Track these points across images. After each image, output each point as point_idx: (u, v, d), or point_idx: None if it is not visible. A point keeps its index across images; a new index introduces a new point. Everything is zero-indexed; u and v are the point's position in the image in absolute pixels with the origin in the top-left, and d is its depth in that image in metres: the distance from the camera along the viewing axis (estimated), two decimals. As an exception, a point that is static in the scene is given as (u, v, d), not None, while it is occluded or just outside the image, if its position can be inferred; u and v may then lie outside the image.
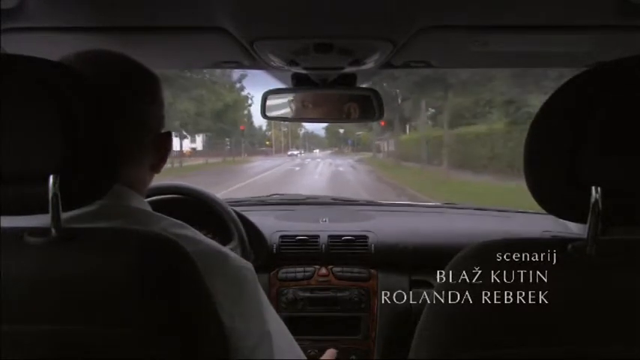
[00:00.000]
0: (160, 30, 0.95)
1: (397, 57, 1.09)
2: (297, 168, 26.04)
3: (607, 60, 0.54)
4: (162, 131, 0.75)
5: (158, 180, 0.95)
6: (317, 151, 71.74)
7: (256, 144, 60.53)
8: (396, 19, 0.88)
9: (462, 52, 1.08)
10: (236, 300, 0.66)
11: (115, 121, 0.58)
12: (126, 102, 0.68)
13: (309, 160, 38.82)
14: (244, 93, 34.82)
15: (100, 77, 0.59)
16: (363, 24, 0.91)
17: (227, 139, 39.89)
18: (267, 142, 68.14)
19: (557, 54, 1.12)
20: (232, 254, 0.70)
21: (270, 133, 67.48)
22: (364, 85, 1.33)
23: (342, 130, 61.86)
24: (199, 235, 0.69)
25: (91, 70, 0.60)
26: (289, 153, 51.99)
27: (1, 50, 0.95)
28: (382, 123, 24.59)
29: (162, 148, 0.75)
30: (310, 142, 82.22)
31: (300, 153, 55.86)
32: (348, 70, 1.16)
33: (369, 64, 1.12)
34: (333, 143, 74.30)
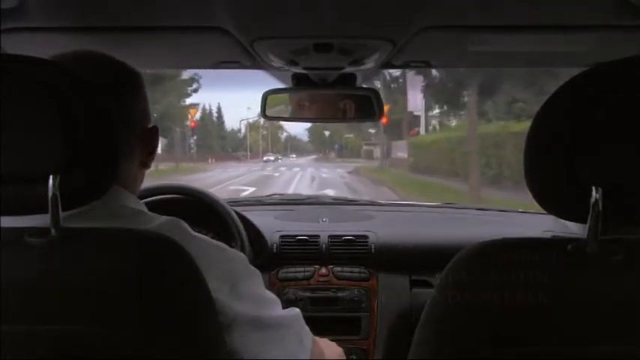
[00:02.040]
0: (160, 30, 0.95)
1: (397, 57, 1.09)
2: (249, 191, 12.30)
3: (607, 60, 0.54)
4: (149, 126, 0.76)
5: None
6: (294, 156, 60.80)
7: (229, 148, 53.74)
8: (396, 19, 0.88)
9: (462, 52, 1.08)
10: (233, 292, 0.67)
11: (113, 121, 0.59)
12: (111, 99, 0.68)
13: (283, 169, 28.02)
14: (186, 74, 22.00)
15: (84, 76, 0.59)
16: (363, 24, 0.91)
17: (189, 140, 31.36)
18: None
19: (557, 54, 1.12)
20: (226, 247, 0.71)
21: (240, 135, 59.18)
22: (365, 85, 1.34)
23: (327, 133, 52.61)
24: (192, 232, 0.69)
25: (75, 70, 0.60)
26: (265, 159, 44.61)
27: (1, 50, 0.95)
28: (384, 120, 19.03)
29: (149, 143, 0.76)
30: (292, 147, 73.32)
31: (278, 159, 47.67)
32: (348, 70, 1.16)
33: (369, 64, 1.12)
34: (318, 148, 65.06)
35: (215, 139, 49.26)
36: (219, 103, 55.31)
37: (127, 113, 0.71)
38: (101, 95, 0.58)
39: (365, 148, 43.38)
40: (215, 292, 0.62)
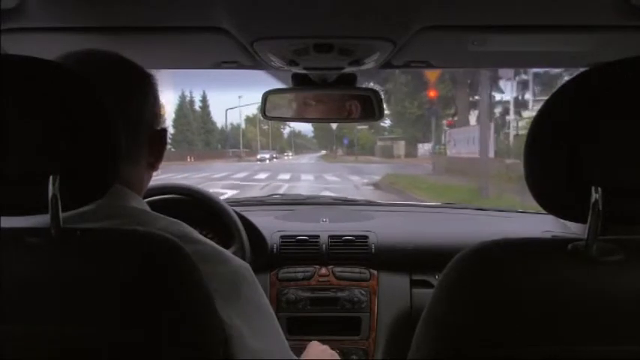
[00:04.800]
0: (160, 30, 0.95)
1: (397, 57, 1.09)
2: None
3: (607, 60, 0.54)
4: (158, 128, 0.76)
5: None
6: (289, 154, 52.81)
7: (217, 144, 45.56)
8: (396, 19, 0.88)
9: (462, 51, 1.08)
10: (234, 300, 0.66)
11: (114, 121, 0.59)
12: (120, 100, 0.68)
13: (262, 176, 17.42)
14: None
15: (93, 76, 0.59)
16: (363, 24, 0.91)
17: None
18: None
19: (557, 54, 1.12)
20: (230, 254, 0.70)
21: (228, 128, 49.50)
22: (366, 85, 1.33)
23: (334, 126, 39.55)
24: (198, 235, 0.69)
25: (84, 70, 0.60)
26: (259, 157, 38.88)
27: (1, 50, 0.95)
28: (432, 93, 13.38)
29: (157, 145, 0.76)
30: (296, 144, 67.53)
31: (274, 157, 41.09)
32: (348, 70, 1.16)
33: (369, 64, 1.12)
34: (323, 144, 57.32)
35: (197, 134, 42.08)
36: (204, 92, 44.60)
37: (135, 114, 0.71)
38: (106, 95, 0.58)
39: (380, 144, 35.35)
40: (216, 296, 0.62)
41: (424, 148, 26.85)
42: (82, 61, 0.70)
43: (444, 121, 16.58)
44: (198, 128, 42.41)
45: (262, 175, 17.89)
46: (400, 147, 30.28)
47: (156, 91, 0.76)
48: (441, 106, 14.73)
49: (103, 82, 0.63)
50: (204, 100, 44.66)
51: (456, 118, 16.09)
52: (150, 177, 0.79)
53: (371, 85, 1.28)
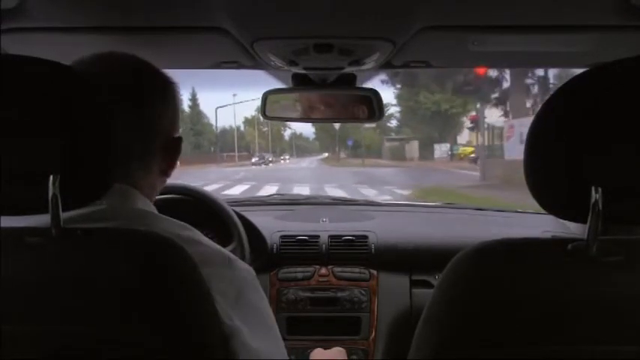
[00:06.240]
0: (160, 30, 0.95)
1: (397, 57, 1.09)
2: None
3: (607, 60, 0.54)
4: (175, 135, 0.75)
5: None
6: (287, 158, 49.99)
7: (210, 147, 41.85)
8: (396, 19, 0.88)
9: (462, 52, 1.08)
10: (235, 302, 0.66)
11: (115, 121, 0.58)
12: (137, 105, 0.68)
13: (236, 190, 12.47)
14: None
15: (111, 79, 0.59)
16: (363, 24, 0.92)
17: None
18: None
19: (557, 54, 1.12)
20: (233, 256, 0.70)
21: (218, 129, 44.23)
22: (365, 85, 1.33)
23: (337, 127, 35.51)
24: (201, 236, 0.69)
25: (101, 72, 0.60)
26: (253, 160, 36.51)
27: (1, 50, 0.95)
28: (481, 69, 9.83)
29: (172, 152, 0.75)
30: (297, 146, 65.32)
31: (269, 160, 37.92)
32: (348, 70, 1.16)
33: (369, 64, 1.12)
34: (325, 146, 53.96)
35: (186, 136, 34.69)
36: (193, 89, 39.08)
37: (152, 120, 0.71)
38: (123, 99, 0.58)
39: (388, 144, 30.98)
40: (217, 298, 0.62)
41: (441, 149, 24.48)
42: (100, 64, 0.69)
43: (464, 117, 13.46)
44: (188, 130, 39.10)
45: (239, 189, 13.25)
46: (413, 148, 26.54)
47: (177, 99, 0.76)
48: (487, 89, 10.82)
49: (121, 85, 0.63)
50: (193, 99, 40.45)
51: (500, 111, 11.81)
52: (163, 183, 0.78)
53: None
